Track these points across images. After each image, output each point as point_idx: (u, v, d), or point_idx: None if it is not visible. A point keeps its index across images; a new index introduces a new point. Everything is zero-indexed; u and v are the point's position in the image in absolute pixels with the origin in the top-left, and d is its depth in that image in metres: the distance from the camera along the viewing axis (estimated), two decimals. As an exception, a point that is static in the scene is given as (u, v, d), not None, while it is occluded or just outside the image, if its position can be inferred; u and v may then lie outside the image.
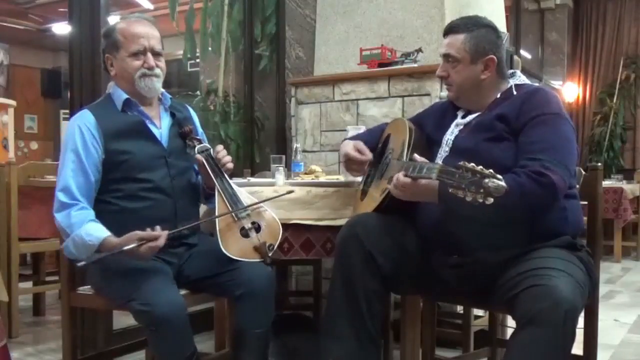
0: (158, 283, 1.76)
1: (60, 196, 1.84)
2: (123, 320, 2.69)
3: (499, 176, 1.40)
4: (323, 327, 1.88)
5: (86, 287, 2.00)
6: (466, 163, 1.44)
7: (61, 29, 8.79)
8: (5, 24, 8.88)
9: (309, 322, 3.12)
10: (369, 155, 2.06)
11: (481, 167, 1.42)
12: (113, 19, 2.69)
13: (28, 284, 3.65)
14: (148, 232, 1.73)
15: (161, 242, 1.73)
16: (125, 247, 1.71)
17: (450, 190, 1.46)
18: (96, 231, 1.78)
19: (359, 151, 2.06)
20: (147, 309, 1.68)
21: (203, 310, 2.69)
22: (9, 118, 6.03)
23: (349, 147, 2.08)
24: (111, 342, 2.64)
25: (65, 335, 2.01)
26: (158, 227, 1.76)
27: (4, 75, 9.33)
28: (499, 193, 1.38)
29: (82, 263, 1.75)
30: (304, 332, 2.89)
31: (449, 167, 1.50)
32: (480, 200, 1.40)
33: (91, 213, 1.85)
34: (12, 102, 6.27)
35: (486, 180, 1.39)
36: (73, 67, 2.72)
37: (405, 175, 1.68)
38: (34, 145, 10.36)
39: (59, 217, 1.84)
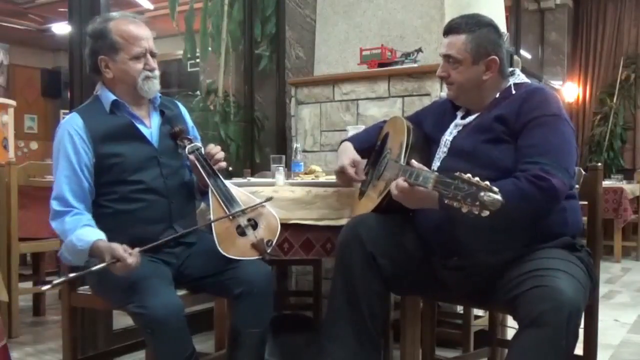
0: (154, 285, 1.75)
1: (54, 204, 1.84)
2: (123, 320, 2.69)
3: (495, 189, 1.38)
4: (324, 327, 1.88)
5: (86, 287, 2.00)
6: (462, 174, 1.42)
7: (61, 29, 8.80)
8: (5, 24, 8.88)
9: (309, 322, 3.12)
10: (362, 176, 2.04)
11: (477, 178, 1.40)
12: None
13: (28, 284, 3.66)
14: (120, 253, 1.68)
15: (131, 261, 1.67)
16: (95, 267, 1.68)
17: (445, 202, 1.45)
18: (86, 235, 1.77)
19: (356, 169, 2.03)
20: (143, 311, 1.68)
21: (203, 310, 2.69)
22: (9, 118, 6.04)
23: (346, 160, 2.03)
24: (111, 342, 2.64)
25: (65, 335, 2.01)
26: (126, 246, 1.70)
27: (4, 75, 9.32)
28: (495, 207, 1.37)
29: (73, 275, 1.73)
30: (304, 332, 2.88)
31: (445, 177, 1.48)
32: (476, 213, 1.39)
33: (85, 218, 1.84)
34: (12, 102, 6.28)
35: (482, 193, 1.37)
36: (73, 67, 2.72)
37: (404, 181, 1.65)
38: (34, 145, 10.36)
39: (54, 225, 1.85)
